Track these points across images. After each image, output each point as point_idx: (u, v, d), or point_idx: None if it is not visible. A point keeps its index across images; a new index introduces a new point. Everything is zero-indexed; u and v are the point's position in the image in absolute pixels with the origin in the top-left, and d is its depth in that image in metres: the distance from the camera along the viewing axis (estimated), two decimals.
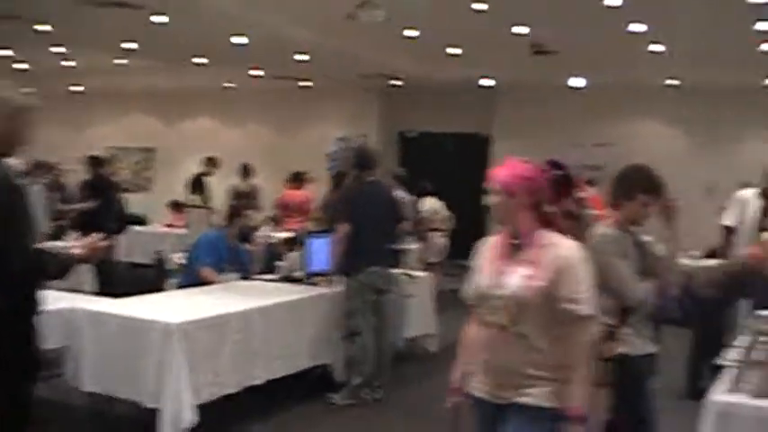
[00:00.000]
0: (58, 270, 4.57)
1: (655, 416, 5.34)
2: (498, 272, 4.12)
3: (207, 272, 8.83)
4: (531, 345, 4.00)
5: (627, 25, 11.55)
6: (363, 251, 8.35)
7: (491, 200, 4.19)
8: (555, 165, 11.07)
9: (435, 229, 14.06)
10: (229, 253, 9.13)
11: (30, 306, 4.48)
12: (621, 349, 5.19)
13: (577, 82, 16.06)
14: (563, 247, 4.07)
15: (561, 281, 3.96)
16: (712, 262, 11.73)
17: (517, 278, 4.04)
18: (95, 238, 4.70)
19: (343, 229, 8.32)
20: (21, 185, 4.43)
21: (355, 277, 8.37)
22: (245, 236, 9.35)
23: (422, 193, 14.01)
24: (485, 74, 16.79)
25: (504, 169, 4.18)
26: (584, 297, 3.98)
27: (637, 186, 5.36)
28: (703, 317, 8.90)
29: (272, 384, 7.60)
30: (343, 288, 8.49)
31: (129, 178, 22.56)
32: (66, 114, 22.55)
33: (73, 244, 5.07)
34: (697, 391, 5.25)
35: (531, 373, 3.99)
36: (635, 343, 5.24)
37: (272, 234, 12.59)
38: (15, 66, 17.74)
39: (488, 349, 4.14)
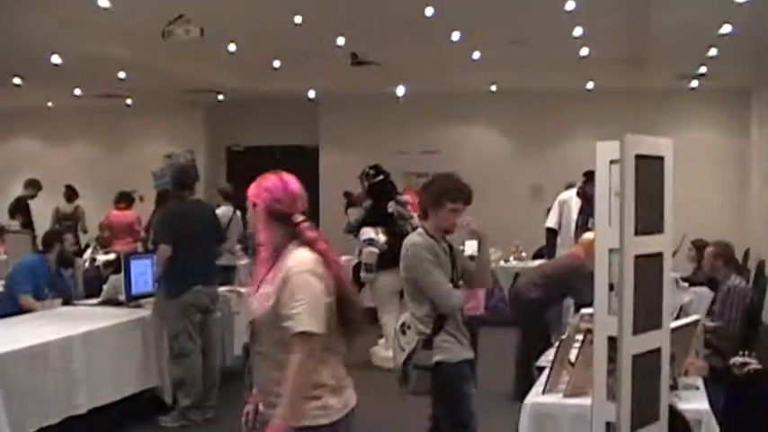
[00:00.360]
0: None
1: (475, 420, 5.41)
2: (254, 288, 4.03)
3: (26, 299, 8.58)
4: (275, 363, 3.85)
5: (446, 34, 11.72)
6: (186, 271, 8.22)
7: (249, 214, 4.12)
8: (376, 170, 11.25)
9: None
10: (49, 278, 8.89)
11: None
12: (438, 357, 5.27)
13: (400, 90, 16.24)
14: (289, 260, 3.89)
15: (281, 297, 3.82)
16: (538, 263, 12.02)
17: (256, 296, 3.95)
18: None
19: (164, 250, 8.18)
20: None
21: (179, 298, 8.23)
22: (66, 260, 9.10)
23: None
24: (307, 86, 16.81)
25: (255, 183, 4.05)
26: (296, 312, 3.76)
27: (443, 194, 5.41)
28: (528, 318, 9.05)
29: (100, 410, 7.44)
30: (168, 309, 8.33)
31: None
32: None
33: None
34: (525, 393, 5.33)
35: (280, 392, 3.81)
36: (452, 350, 5.31)
37: (97, 257, 12.31)
38: None
39: (253, 368, 4.05)
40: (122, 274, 8.81)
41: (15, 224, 15.02)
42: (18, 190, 16.28)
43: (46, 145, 21.14)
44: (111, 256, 11.78)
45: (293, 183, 4.04)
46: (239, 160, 20.07)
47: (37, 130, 21.07)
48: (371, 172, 11.28)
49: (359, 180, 11.64)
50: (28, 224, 15.19)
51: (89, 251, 12.55)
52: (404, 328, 5.46)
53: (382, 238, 10.79)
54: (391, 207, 11.00)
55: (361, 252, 11.06)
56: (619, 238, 3.67)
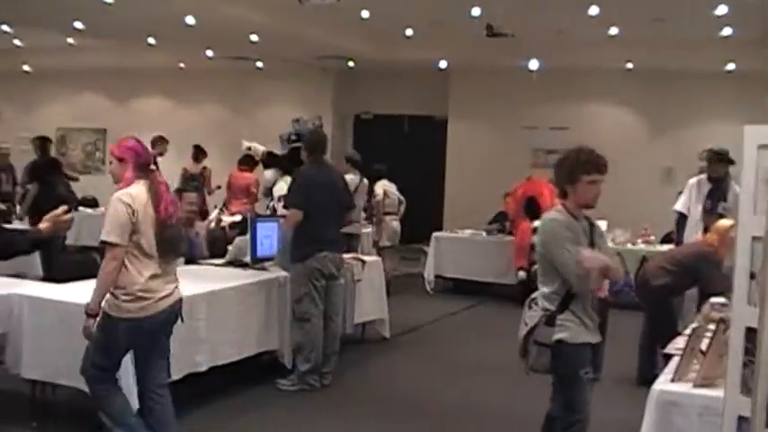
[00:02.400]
0: (28, 245, 5.17)
1: (588, 406, 5.30)
2: None
3: None
4: None
5: (583, 8, 11.54)
6: (315, 236, 8.30)
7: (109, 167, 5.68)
8: (298, 135, 12.01)
9: (388, 213, 14.03)
10: None
11: None
12: (559, 335, 5.20)
13: (533, 64, 16.06)
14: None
15: None
16: (666, 248, 11.80)
17: None
18: (59, 212, 5.18)
19: (296, 214, 8.26)
20: None
21: (306, 263, 8.32)
22: (188, 219, 9.21)
23: (376, 177, 13.96)
24: (439, 56, 16.73)
25: (117, 143, 5.59)
26: (104, 227, 5.30)
27: (577, 168, 5.27)
28: (656, 303, 8.88)
29: (219, 370, 7.58)
30: (294, 273, 8.44)
31: (81, 159, 22.38)
32: (16, 94, 22.35)
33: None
34: (649, 379, 5.23)
35: None
36: (574, 330, 5.23)
37: (223, 218, 12.48)
38: None
39: None
40: (248, 236, 8.97)
41: None
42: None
43: (176, 105, 21.59)
44: (237, 218, 11.92)
45: (145, 144, 5.68)
46: (367, 128, 20.16)
47: (168, 90, 21.55)
48: (293, 137, 12.33)
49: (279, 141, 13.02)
50: None
51: (215, 212, 12.73)
52: (531, 303, 5.41)
53: None
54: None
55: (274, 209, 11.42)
56: (765, 227, 3.56)
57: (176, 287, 5.72)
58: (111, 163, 5.59)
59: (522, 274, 12.30)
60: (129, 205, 5.31)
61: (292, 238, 8.35)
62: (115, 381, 5.70)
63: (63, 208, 5.25)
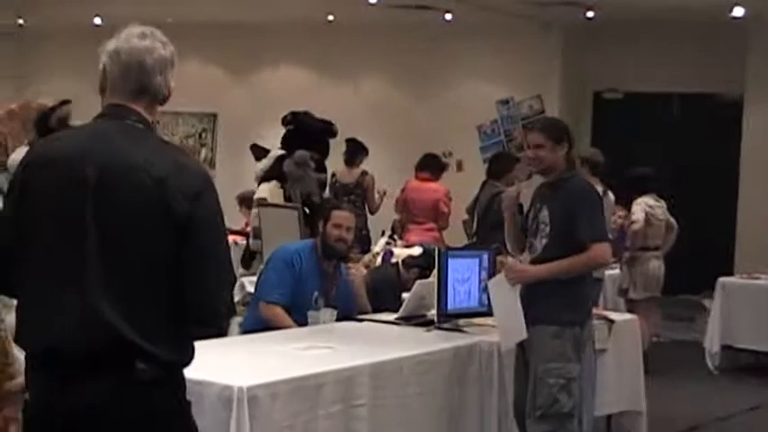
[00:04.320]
0: None
1: None
2: None
3: (272, 310, 8.91)
4: None
5: None
6: (589, 286, 8.28)
7: None
8: (293, 115, 13.59)
9: (646, 248, 13.82)
10: (321, 277, 9.18)
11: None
12: None
13: None
14: None
15: None
16: None
17: None
18: None
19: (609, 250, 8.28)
20: None
21: (585, 328, 8.24)
22: (340, 252, 9.30)
23: (637, 191, 13.77)
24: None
25: None
26: None
27: None
28: None
29: None
30: (555, 345, 8.27)
31: None
32: (79, 55, 22.86)
33: None
34: None
35: None
36: None
37: (395, 250, 12.51)
38: None
39: None
40: (435, 278, 8.97)
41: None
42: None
43: (319, 78, 21.89)
44: (416, 251, 11.96)
45: None
46: (613, 113, 19.95)
47: (308, 57, 21.80)
48: (288, 117, 13.67)
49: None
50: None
51: (382, 241, 12.77)
52: None
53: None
54: (286, 165, 13.04)
55: None
56: None
57: None
58: None
59: None
60: None
61: (564, 289, 8.13)
62: None
63: None
